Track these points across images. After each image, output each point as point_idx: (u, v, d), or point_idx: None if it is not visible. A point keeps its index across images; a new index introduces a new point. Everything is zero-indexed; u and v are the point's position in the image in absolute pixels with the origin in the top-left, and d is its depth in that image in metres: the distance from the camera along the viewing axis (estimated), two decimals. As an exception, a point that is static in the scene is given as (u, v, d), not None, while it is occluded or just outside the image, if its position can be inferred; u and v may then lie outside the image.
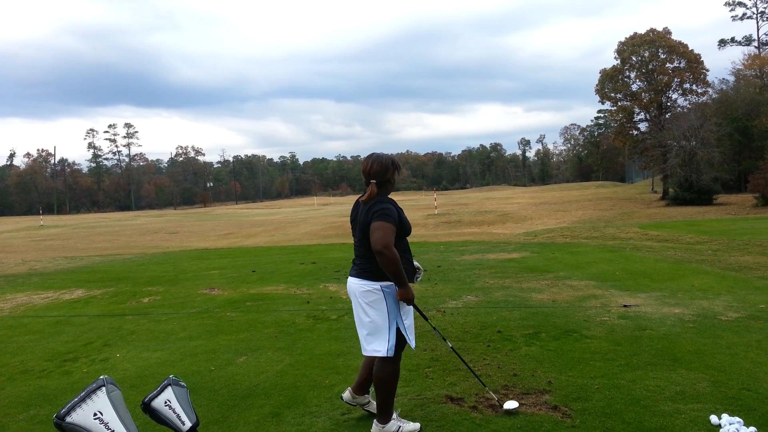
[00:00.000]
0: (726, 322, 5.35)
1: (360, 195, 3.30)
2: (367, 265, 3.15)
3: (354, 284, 3.24)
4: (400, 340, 3.21)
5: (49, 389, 4.31)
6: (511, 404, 3.45)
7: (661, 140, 36.32)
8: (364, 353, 3.29)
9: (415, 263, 3.42)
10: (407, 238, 3.33)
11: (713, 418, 3.16)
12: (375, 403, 3.44)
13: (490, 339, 5.07)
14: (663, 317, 5.63)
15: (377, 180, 3.20)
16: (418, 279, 3.44)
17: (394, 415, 3.26)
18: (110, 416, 2.43)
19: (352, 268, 3.32)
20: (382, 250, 2.95)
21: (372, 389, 3.50)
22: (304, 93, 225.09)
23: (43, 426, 3.60)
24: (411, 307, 3.26)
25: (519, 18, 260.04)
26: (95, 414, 2.41)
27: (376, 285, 3.13)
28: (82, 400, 2.40)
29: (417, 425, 3.26)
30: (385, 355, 3.14)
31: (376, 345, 3.17)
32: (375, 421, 3.25)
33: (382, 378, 3.19)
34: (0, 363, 5.11)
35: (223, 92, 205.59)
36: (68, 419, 2.36)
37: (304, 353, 4.92)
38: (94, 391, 2.44)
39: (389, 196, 3.29)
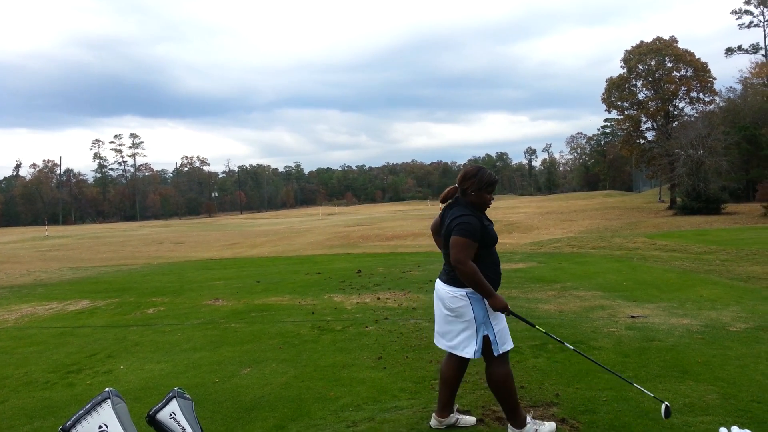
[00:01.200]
0: (735, 333, 5.30)
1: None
2: (454, 273, 3.16)
3: (441, 290, 3.27)
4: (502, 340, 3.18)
5: (53, 401, 4.30)
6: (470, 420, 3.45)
7: (668, 149, 36.27)
8: (440, 346, 3.31)
9: None
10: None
11: (723, 431, 3.12)
12: (464, 417, 3.43)
13: (496, 350, 5.03)
14: (671, 328, 5.58)
15: (458, 185, 3.31)
16: None
17: (529, 418, 3.23)
18: (115, 429, 2.42)
19: (441, 271, 3.35)
20: (457, 266, 3.04)
21: (456, 405, 3.50)
22: (310, 102, 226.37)
23: (47, 438, 3.59)
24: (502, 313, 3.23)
25: (525, 26, 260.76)
26: (100, 426, 2.39)
27: (462, 292, 3.15)
28: (88, 412, 2.39)
29: (553, 425, 3.23)
30: (472, 357, 3.15)
31: (461, 348, 3.18)
32: (510, 426, 3.21)
33: (497, 381, 3.17)
34: (4, 374, 5.11)
35: (229, 102, 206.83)
36: (73, 432, 2.35)
37: (308, 365, 4.89)
38: (99, 404, 2.43)
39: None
